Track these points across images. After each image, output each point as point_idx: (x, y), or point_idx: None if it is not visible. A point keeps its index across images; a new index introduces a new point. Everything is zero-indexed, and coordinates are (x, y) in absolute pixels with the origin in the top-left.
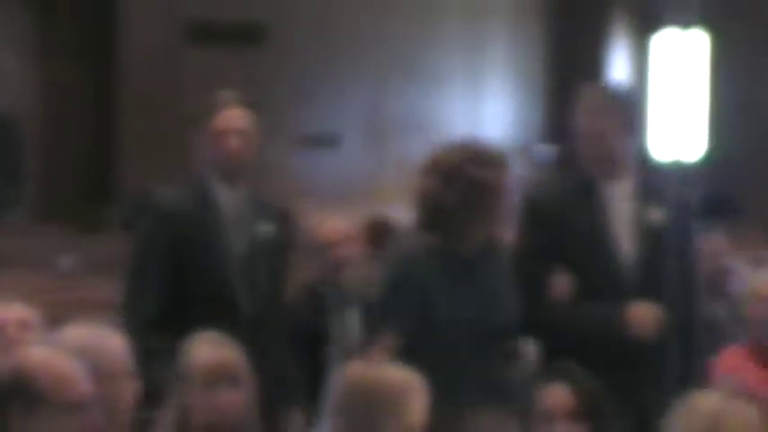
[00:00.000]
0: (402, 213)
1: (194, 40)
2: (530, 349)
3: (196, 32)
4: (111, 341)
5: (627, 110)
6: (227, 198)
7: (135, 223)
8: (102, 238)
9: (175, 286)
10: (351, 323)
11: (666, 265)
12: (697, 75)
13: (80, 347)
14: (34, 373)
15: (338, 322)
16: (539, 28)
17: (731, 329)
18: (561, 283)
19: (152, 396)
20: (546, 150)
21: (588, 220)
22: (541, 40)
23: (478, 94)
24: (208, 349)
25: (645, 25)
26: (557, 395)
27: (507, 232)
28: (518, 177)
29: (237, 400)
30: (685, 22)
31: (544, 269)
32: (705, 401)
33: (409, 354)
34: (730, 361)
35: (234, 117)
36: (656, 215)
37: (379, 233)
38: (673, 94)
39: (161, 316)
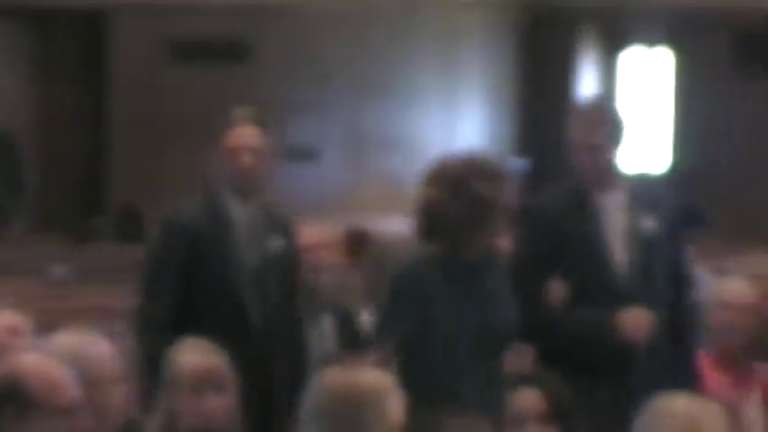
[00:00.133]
0: (379, 225)
1: (181, 59)
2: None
3: (182, 51)
4: (100, 347)
5: (618, 124)
6: (240, 213)
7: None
8: (94, 248)
9: (188, 298)
10: (325, 329)
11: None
12: (662, 91)
13: (69, 353)
14: (27, 378)
15: (313, 329)
16: (510, 47)
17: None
18: (557, 290)
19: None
20: (518, 163)
21: (583, 229)
22: (513, 59)
23: (453, 110)
24: (195, 356)
25: (612, 43)
26: (528, 399)
27: (504, 241)
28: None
29: (223, 405)
30: (651, 41)
31: (541, 276)
32: (680, 404)
33: (411, 360)
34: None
35: (246, 135)
36: (649, 224)
37: (356, 243)
38: (639, 109)
39: (173, 327)
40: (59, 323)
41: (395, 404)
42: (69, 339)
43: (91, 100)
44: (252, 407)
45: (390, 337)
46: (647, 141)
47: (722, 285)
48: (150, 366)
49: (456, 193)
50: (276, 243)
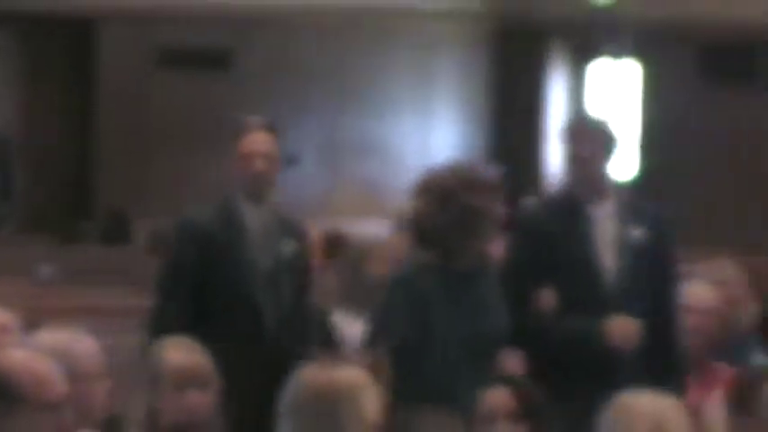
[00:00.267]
0: (355, 228)
1: (166, 66)
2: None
3: (168, 59)
4: (84, 344)
5: (610, 136)
6: (253, 217)
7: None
8: (80, 249)
9: (202, 302)
10: None
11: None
12: (629, 101)
13: (55, 350)
14: (15, 374)
15: None
16: (482, 58)
17: None
18: (547, 297)
19: None
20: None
21: (572, 238)
22: (485, 70)
23: (427, 119)
24: (179, 353)
25: (581, 55)
26: (497, 397)
27: (496, 247)
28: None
29: (206, 401)
30: (618, 53)
31: (531, 284)
32: (644, 402)
33: (406, 364)
34: None
35: (259, 141)
36: (637, 233)
37: (333, 245)
38: (607, 118)
39: (189, 330)
40: (46, 321)
41: (371, 401)
42: (56, 336)
43: (79, 105)
44: (265, 408)
45: (385, 340)
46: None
47: (687, 290)
48: None
49: (445, 203)
50: (289, 246)
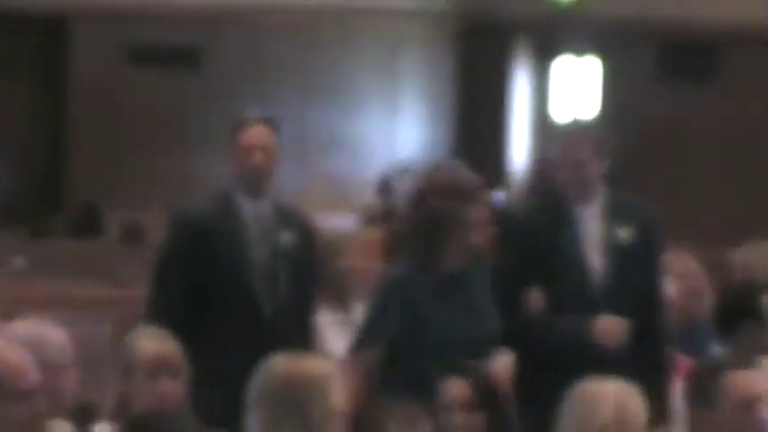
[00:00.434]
0: (323, 222)
1: (137, 64)
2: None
3: (139, 56)
4: (55, 335)
5: (601, 139)
6: (251, 209)
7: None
8: (52, 241)
9: (200, 294)
10: None
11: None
12: (591, 97)
13: (27, 340)
14: None
15: None
16: (448, 56)
17: None
18: (536, 298)
19: None
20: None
21: (560, 239)
22: (450, 67)
23: (393, 115)
24: (152, 342)
25: (544, 53)
26: (454, 388)
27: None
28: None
29: (177, 389)
30: (580, 50)
31: (519, 285)
32: (607, 390)
33: (396, 364)
34: None
35: (258, 134)
36: (624, 234)
37: None
38: (570, 112)
39: (182, 321)
40: (19, 312)
41: (337, 391)
42: (27, 327)
43: (51, 101)
44: None
45: (375, 340)
46: None
47: None
48: None
49: (414, 208)
50: (287, 238)
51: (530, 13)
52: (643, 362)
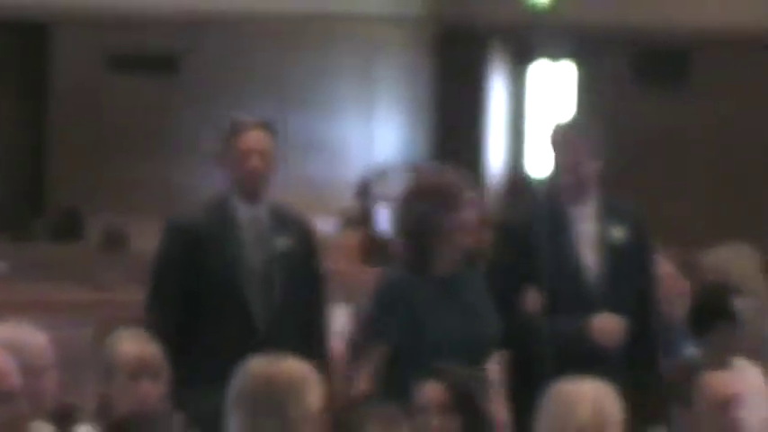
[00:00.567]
0: None
1: (117, 70)
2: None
3: (119, 63)
4: (35, 337)
5: (593, 142)
6: (246, 214)
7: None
8: (33, 246)
9: (194, 300)
10: None
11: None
12: (566, 101)
13: (7, 343)
14: None
15: None
16: (425, 58)
17: None
18: (532, 299)
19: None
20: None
21: (555, 239)
22: (427, 71)
23: (371, 118)
24: (133, 344)
25: (521, 57)
26: (430, 391)
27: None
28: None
29: (157, 391)
30: (556, 55)
31: (516, 286)
32: (585, 389)
33: (396, 366)
34: None
35: (256, 138)
36: (618, 233)
37: None
38: (546, 117)
39: (176, 326)
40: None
41: (315, 393)
42: (7, 330)
43: (31, 107)
44: None
45: (375, 342)
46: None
47: None
48: None
49: (399, 212)
50: (284, 243)
51: (506, 19)
52: (638, 361)
